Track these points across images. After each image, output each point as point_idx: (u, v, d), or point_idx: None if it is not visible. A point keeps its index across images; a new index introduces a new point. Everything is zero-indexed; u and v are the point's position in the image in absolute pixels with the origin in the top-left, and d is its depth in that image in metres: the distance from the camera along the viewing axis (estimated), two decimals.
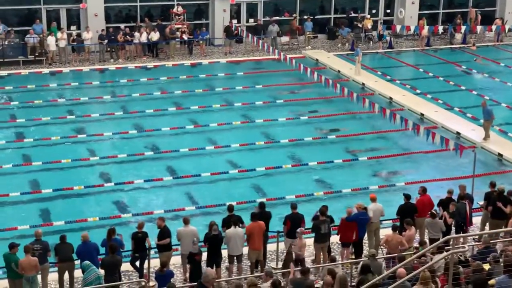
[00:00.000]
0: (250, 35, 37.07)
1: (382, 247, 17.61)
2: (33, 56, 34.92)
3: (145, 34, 36.29)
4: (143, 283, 15.55)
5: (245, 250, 17.49)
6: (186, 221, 17.18)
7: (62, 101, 30.69)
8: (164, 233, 16.88)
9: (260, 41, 35.78)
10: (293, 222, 17.52)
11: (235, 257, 17.22)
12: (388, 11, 42.91)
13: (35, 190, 22.38)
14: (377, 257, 16.10)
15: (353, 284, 15.15)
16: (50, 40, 34.74)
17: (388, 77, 34.45)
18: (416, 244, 17.41)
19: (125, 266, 16.86)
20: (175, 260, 17.51)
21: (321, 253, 17.65)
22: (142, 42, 36.59)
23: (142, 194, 22.42)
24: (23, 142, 26.08)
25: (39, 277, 16.05)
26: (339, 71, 35.11)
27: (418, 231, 18.41)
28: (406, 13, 41.89)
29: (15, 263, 15.57)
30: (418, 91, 32.43)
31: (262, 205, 18.04)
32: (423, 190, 18.80)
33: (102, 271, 15.60)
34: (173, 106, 29.89)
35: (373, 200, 18.45)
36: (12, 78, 33.24)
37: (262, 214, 17.63)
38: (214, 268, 16.63)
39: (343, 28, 40.12)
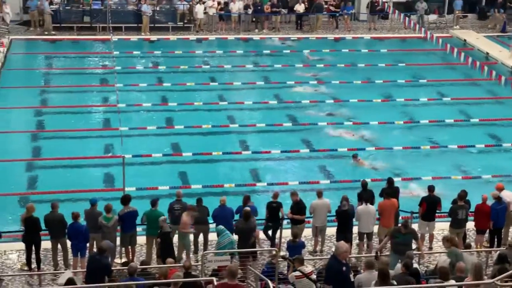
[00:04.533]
0: (396, 11, 36.38)
1: None
2: (182, 23, 35.96)
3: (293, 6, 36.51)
4: (274, 252, 15.76)
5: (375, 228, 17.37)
6: (319, 194, 17.25)
7: (207, 67, 31.47)
8: (300, 207, 17.01)
9: (407, 19, 35.02)
10: (429, 204, 17.22)
11: (365, 235, 17.14)
12: None
13: (176, 152, 23.15)
14: None
15: (488, 273, 14.71)
16: (199, 8, 35.59)
17: None
18: None
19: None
20: (306, 232, 17.63)
21: (456, 239, 17.21)
22: (287, 14, 36.80)
23: (278, 164, 22.68)
24: (168, 105, 26.98)
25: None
26: (487, 53, 33.84)
27: None
28: None
29: (164, 218, 16.20)
30: None
31: (390, 181, 17.82)
32: None
33: (235, 237, 15.95)
34: (313, 80, 29.92)
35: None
36: (161, 43, 34.41)
37: (391, 190, 17.44)
38: None
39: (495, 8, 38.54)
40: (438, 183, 19.56)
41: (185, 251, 16.61)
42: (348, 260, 12.70)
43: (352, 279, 12.41)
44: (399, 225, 15.78)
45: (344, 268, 12.07)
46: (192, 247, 16.97)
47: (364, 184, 17.68)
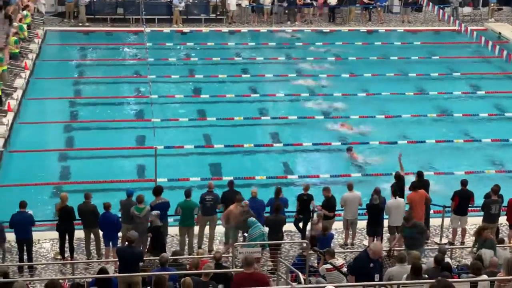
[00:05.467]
0: (430, 4, 36.02)
1: None
2: (214, 15, 36.05)
3: None
4: (304, 244, 15.74)
5: None
6: (350, 187, 17.20)
7: (239, 59, 31.50)
8: (331, 204, 16.99)
9: (441, 11, 34.67)
10: (462, 199, 17.08)
11: (395, 228, 17.02)
12: None
13: (207, 144, 23.23)
14: None
15: None
16: (231, 0, 35.59)
17: None
18: None
19: (288, 226, 17.15)
20: (337, 225, 17.60)
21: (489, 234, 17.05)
22: (320, 6, 36.69)
23: (309, 157, 22.65)
24: (200, 97, 27.06)
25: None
26: None
27: None
28: None
29: (198, 208, 16.42)
30: None
31: (420, 174, 17.70)
32: None
33: (266, 229, 15.97)
34: (346, 73, 29.78)
35: None
36: (194, 35, 34.51)
37: (420, 184, 17.32)
38: (374, 238, 16.62)
39: None
40: (471, 177, 19.38)
41: (221, 241, 16.72)
42: (381, 259, 12.58)
43: (377, 279, 12.23)
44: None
45: (371, 265, 11.96)
46: (223, 238, 17.05)
47: (397, 176, 17.59)
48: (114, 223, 15.95)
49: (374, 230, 16.83)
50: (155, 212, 15.71)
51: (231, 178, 20.23)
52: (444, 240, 17.51)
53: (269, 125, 24.90)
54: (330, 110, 26.01)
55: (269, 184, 19.94)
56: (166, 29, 34.74)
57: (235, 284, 11.51)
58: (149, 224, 15.92)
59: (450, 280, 11.55)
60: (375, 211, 16.70)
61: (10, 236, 16.12)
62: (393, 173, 18.11)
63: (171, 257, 14.18)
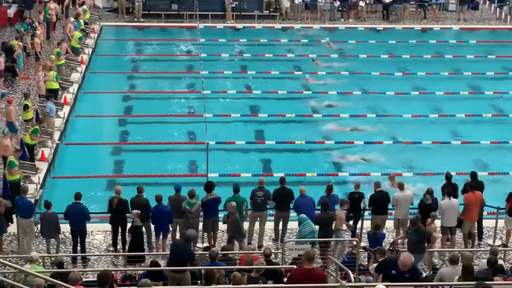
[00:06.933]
0: (487, 2, 35.46)
1: None
2: (267, 11, 36.09)
3: None
4: (354, 242, 15.68)
5: None
6: (401, 187, 17.06)
7: (291, 56, 31.46)
8: (379, 197, 16.89)
9: (498, 9, 34.10)
10: None
11: (448, 229, 16.83)
12: None
13: (259, 140, 23.28)
14: None
15: None
16: None
17: None
18: None
19: None
20: (388, 224, 17.46)
21: None
22: (373, 3, 36.44)
23: (361, 155, 22.50)
24: (252, 93, 27.13)
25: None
26: None
27: None
28: None
29: (246, 203, 16.52)
30: None
31: (473, 175, 17.45)
32: None
33: (316, 226, 15.93)
34: (399, 71, 29.49)
35: None
36: (247, 31, 34.62)
37: (475, 184, 17.09)
38: None
39: None
40: None
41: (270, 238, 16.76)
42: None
43: None
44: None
45: (393, 272, 11.66)
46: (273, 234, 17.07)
47: (449, 177, 17.38)
48: (167, 215, 16.08)
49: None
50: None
51: (282, 174, 20.40)
52: (498, 242, 17.23)
53: (321, 122, 24.82)
54: (382, 108, 25.78)
55: (320, 182, 19.87)
56: (219, 25, 34.91)
57: (293, 279, 11.26)
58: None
59: (504, 282, 11.41)
60: (426, 211, 16.51)
61: (65, 228, 16.42)
62: (444, 173, 17.88)
63: (221, 252, 14.25)
